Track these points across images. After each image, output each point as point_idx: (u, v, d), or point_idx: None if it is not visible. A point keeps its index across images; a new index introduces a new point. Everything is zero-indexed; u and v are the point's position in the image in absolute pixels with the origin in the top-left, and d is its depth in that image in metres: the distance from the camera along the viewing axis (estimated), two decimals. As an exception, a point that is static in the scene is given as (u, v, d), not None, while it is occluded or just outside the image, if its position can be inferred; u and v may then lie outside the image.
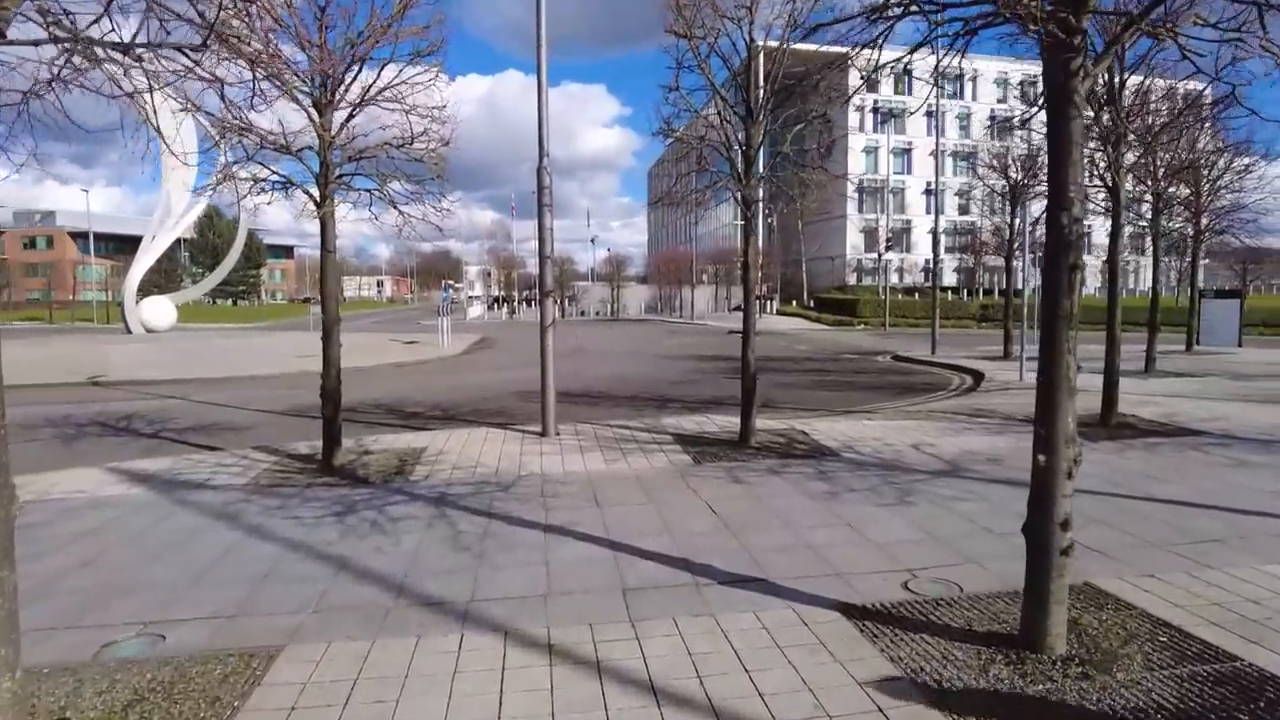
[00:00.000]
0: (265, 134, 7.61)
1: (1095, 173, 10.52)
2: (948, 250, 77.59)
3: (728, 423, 10.23)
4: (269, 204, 9.19)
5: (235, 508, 6.64)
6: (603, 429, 10.05)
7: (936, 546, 5.33)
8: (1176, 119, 9.20)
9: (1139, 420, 10.01)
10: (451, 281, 58.72)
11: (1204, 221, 19.62)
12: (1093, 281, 73.87)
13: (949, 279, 74.34)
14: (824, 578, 4.80)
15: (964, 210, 77.31)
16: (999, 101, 75.25)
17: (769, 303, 64.10)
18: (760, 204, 8.88)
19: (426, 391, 15.45)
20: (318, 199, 7.94)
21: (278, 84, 7.42)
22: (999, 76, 75.27)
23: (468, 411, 12.50)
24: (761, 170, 8.82)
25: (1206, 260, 70.69)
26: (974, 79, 75.44)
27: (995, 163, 19.25)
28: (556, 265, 74.05)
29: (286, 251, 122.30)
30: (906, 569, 4.94)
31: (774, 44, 8.63)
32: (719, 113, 8.78)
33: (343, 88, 7.83)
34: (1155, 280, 15.75)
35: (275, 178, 8.24)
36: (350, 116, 8.05)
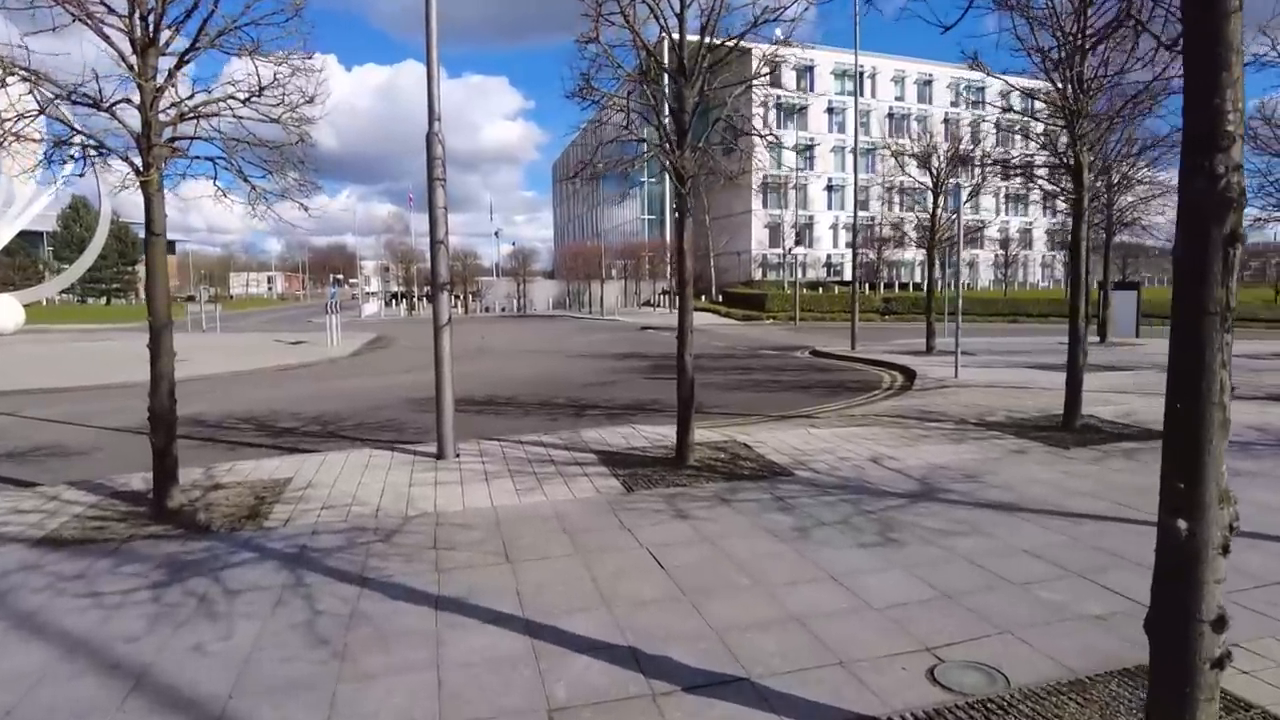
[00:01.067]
0: (67, 85, 5.79)
1: (1054, 150, 9.73)
2: (849, 245, 79.38)
3: (658, 435, 8.90)
4: (80, 176, 7.33)
5: (10, 580, 4.84)
6: (512, 446, 8.54)
7: (953, 610, 4.12)
8: (1139, 96, 8.50)
9: (1101, 421, 9.26)
10: (342, 276, 55.35)
11: (1113, 214, 19.78)
12: (986, 275, 76.86)
13: (849, 273, 75.84)
14: (824, 670, 3.50)
15: (864, 206, 79.37)
16: (896, 99, 77.12)
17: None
18: (695, 180, 7.53)
19: (308, 400, 13.48)
20: (139, 167, 6.15)
21: (72, 8, 5.62)
22: (896, 74, 77.17)
23: (351, 426, 10.73)
24: (697, 141, 7.50)
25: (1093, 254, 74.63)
26: (873, 76, 76.95)
27: (920, 153, 18.67)
28: (458, 259, 71.46)
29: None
30: (926, 648, 3.70)
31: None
32: (645, 70, 7.43)
33: (170, 24, 6.06)
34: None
35: (86, 141, 6.43)
36: (182, 61, 6.28)
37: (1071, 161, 8.60)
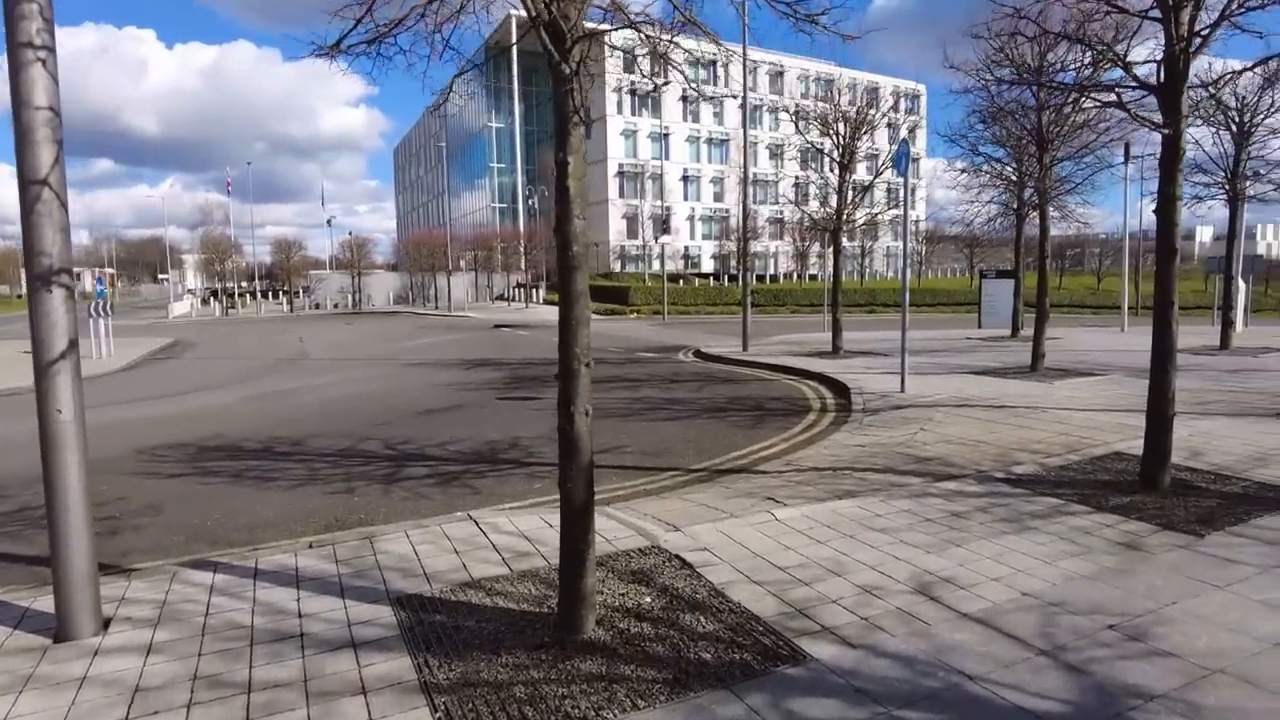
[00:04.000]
0: None
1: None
2: (705, 237, 77.80)
3: (520, 538, 5.06)
4: None
5: None
6: (237, 581, 4.45)
7: None
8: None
9: (1199, 475, 6.25)
10: (103, 271, 47.19)
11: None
12: (851, 264, 77.29)
13: (707, 265, 74.13)
14: None
15: (719, 197, 78.05)
16: (750, 90, 75.75)
17: (535, 290, 59.21)
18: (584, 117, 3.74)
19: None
20: None
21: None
22: (749, 65, 76.10)
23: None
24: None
25: (940, 244, 76.78)
26: (726, 65, 75.36)
27: (823, 119, 15.68)
28: (282, 250, 63.72)
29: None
30: None
31: None
32: None
33: None
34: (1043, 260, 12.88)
35: None
36: None
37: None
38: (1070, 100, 6.20)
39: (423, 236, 64.49)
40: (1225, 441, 7.27)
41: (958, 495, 5.78)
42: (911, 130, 53.74)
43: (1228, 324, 15.36)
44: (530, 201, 68.33)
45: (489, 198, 77.17)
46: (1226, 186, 14.34)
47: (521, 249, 58.59)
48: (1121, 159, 20.14)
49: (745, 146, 20.12)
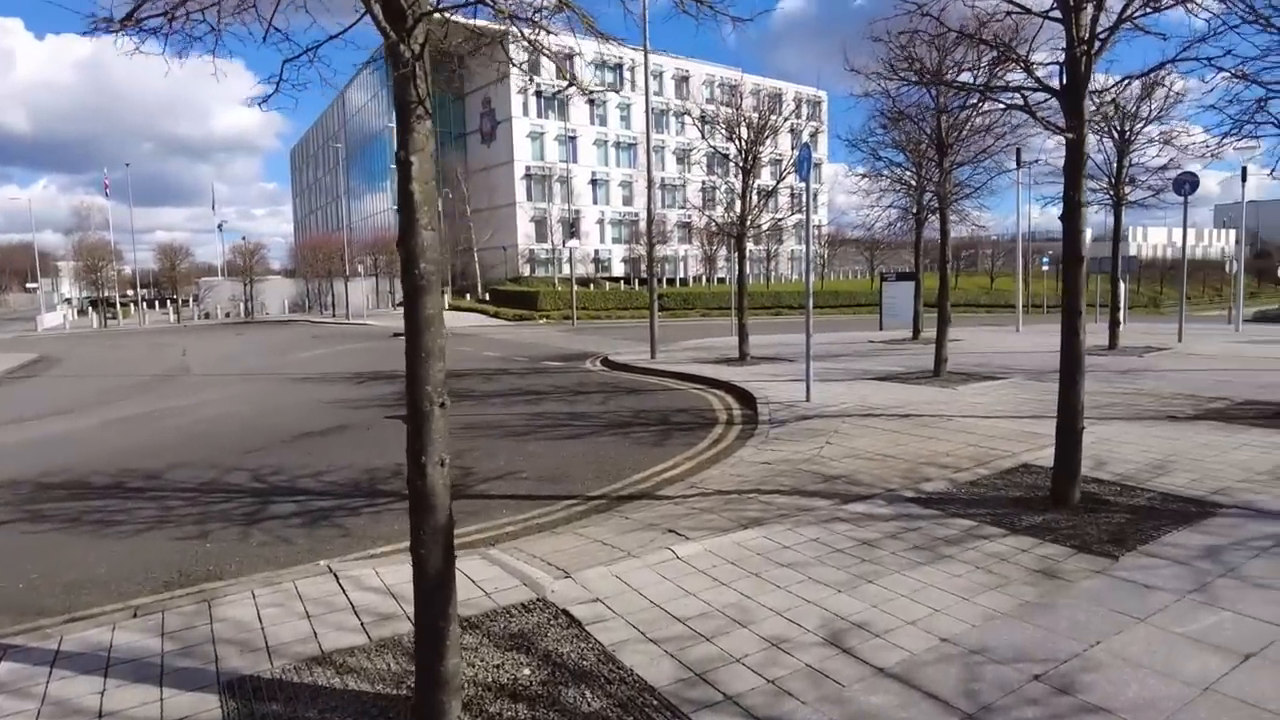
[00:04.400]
0: None
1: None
2: (615, 241, 77.48)
3: (384, 599, 4.41)
4: None
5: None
6: (19, 677, 3.65)
7: None
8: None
9: (1106, 487, 6.11)
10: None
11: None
12: (757, 267, 78.26)
13: (618, 269, 73.80)
14: None
15: (628, 201, 77.87)
16: (655, 94, 75.75)
17: (441, 296, 57.41)
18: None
19: None
20: None
21: None
22: (655, 69, 76.14)
23: None
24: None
25: (842, 247, 78.74)
26: (632, 69, 75.45)
27: (727, 122, 15.44)
28: (166, 256, 59.89)
29: None
30: None
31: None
32: None
33: None
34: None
35: None
36: None
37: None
38: (971, 103, 6.00)
39: (319, 240, 61.92)
40: (1125, 448, 7.24)
41: (868, 520, 5.44)
42: (813, 135, 54.89)
43: (1115, 324, 15.91)
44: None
45: (391, 200, 74.70)
46: (1110, 192, 14.84)
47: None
48: (1014, 164, 20.76)
49: (649, 147, 19.77)
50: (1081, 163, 5.37)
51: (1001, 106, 5.94)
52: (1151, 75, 5.56)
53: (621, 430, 9.67)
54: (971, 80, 10.07)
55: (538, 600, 4.24)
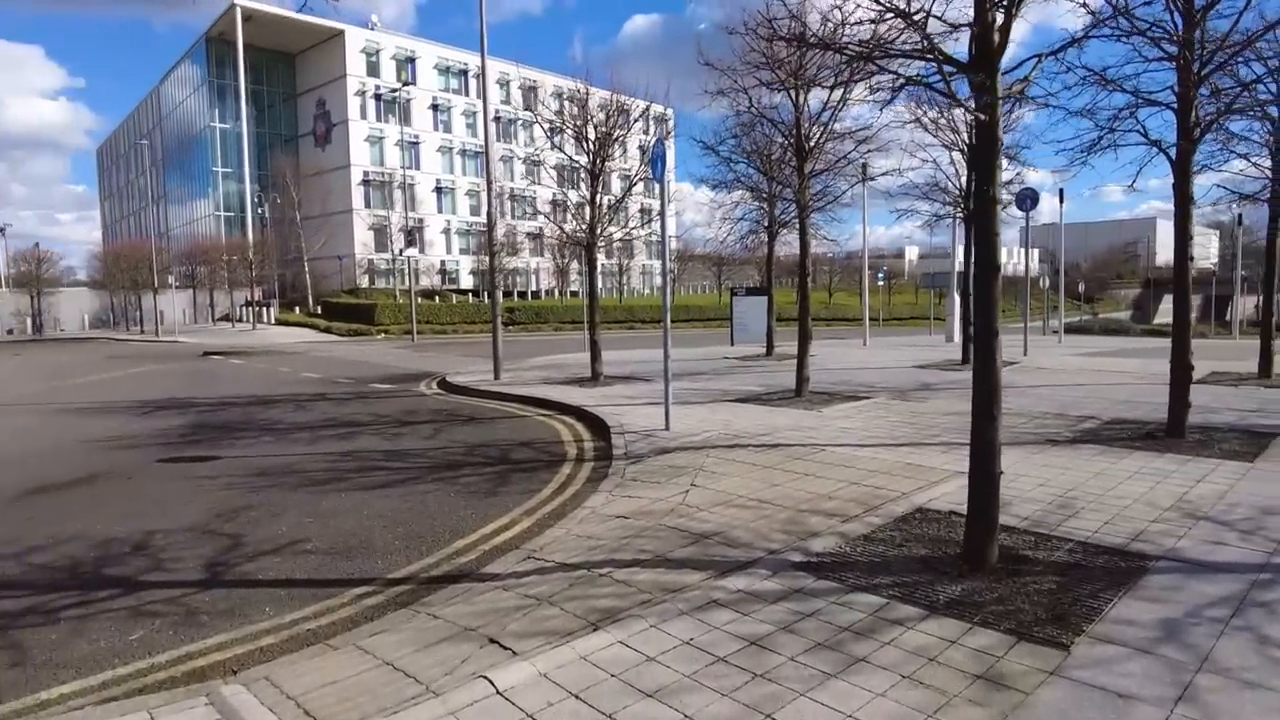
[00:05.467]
0: None
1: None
2: (463, 252, 74.39)
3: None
4: None
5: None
6: None
7: None
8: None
9: (1018, 537, 5.15)
10: None
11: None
12: (610, 281, 77.51)
13: (466, 281, 70.93)
14: None
15: (475, 210, 75.13)
16: (502, 102, 73.56)
17: (266, 310, 52.73)
18: None
19: None
20: None
21: None
22: (501, 77, 74.06)
23: None
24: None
25: (690, 262, 79.60)
26: (478, 76, 72.84)
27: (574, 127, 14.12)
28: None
29: None
30: None
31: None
32: None
33: None
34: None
35: None
36: None
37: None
38: (858, 76, 4.97)
39: (125, 248, 55.21)
40: (1021, 482, 6.47)
41: (752, 601, 4.20)
42: (665, 136, 54.90)
43: (968, 339, 15.91)
44: (261, 211, 61.18)
45: (213, 206, 68.19)
46: (960, 206, 14.80)
47: (250, 263, 51.84)
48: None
49: (487, 139, 18.15)
50: (996, 149, 4.42)
51: (889, 86, 4.91)
52: (1053, 53, 4.69)
53: (450, 474, 8.02)
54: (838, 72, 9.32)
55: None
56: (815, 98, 10.71)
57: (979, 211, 4.48)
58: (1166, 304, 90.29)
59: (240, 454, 9.48)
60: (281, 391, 16.11)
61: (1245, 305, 47.20)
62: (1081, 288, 68.13)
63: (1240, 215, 31.51)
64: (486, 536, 5.79)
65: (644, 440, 8.77)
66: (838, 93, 10.14)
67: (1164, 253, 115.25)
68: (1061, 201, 25.03)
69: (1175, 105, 7.57)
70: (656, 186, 9.00)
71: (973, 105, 4.44)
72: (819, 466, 7.17)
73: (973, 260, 4.31)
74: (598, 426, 10.13)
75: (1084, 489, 6.28)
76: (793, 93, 10.49)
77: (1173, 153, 7.70)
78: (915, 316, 67.17)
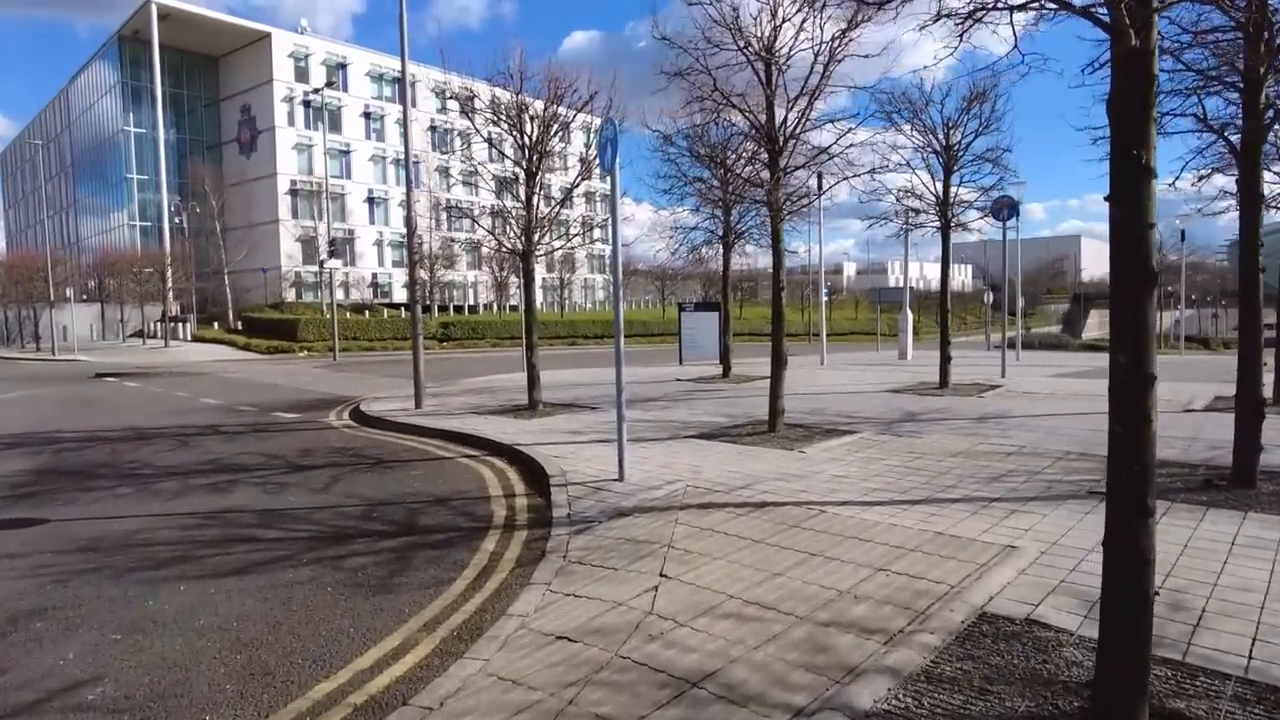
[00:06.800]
0: None
1: None
2: (396, 264, 71.34)
3: None
4: None
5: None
6: None
7: None
8: None
9: (1155, 671, 3.52)
10: None
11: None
12: (550, 295, 75.33)
13: (399, 294, 68.00)
14: None
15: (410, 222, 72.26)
16: (438, 110, 70.81)
17: (182, 325, 49.20)
18: None
19: None
20: None
21: None
22: (437, 86, 71.35)
23: None
24: None
25: (633, 276, 78.11)
26: (414, 85, 70.07)
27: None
28: None
29: None
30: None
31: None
32: None
33: None
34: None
35: None
36: None
37: None
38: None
39: (18, 257, 50.97)
40: (1093, 559, 4.85)
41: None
42: (615, 117, 53.26)
43: (945, 360, 14.50)
44: (178, 220, 57.34)
45: (128, 215, 63.88)
46: (936, 212, 13.46)
47: (167, 275, 48.27)
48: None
49: (407, 132, 16.15)
50: (1152, 88, 2.81)
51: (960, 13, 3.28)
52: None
53: (335, 550, 6.05)
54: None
55: None
56: (791, 77, 9.14)
57: (1126, 195, 2.85)
58: (1093, 318, 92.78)
59: (77, 515, 7.34)
60: (168, 423, 13.79)
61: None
62: (1021, 303, 69.02)
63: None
64: (362, 676, 3.89)
65: (592, 496, 6.95)
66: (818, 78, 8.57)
67: (1090, 268, 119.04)
68: (1016, 215, 24.33)
69: (1240, 83, 6.18)
70: (609, 165, 7.24)
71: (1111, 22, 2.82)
72: (826, 541, 5.45)
73: (1112, 267, 2.90)
74: (534, 474, 8.26)
75: (1182, 573, 4.71)
76: (762, 72, 8.91)
77: (1236, 140, 6.30)
78: (855, 331, 66.87)
